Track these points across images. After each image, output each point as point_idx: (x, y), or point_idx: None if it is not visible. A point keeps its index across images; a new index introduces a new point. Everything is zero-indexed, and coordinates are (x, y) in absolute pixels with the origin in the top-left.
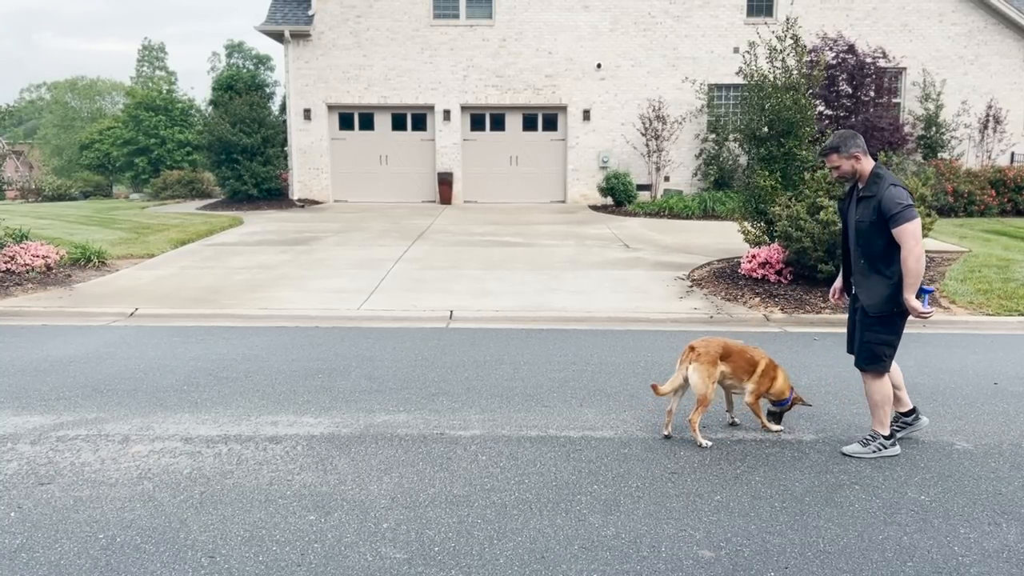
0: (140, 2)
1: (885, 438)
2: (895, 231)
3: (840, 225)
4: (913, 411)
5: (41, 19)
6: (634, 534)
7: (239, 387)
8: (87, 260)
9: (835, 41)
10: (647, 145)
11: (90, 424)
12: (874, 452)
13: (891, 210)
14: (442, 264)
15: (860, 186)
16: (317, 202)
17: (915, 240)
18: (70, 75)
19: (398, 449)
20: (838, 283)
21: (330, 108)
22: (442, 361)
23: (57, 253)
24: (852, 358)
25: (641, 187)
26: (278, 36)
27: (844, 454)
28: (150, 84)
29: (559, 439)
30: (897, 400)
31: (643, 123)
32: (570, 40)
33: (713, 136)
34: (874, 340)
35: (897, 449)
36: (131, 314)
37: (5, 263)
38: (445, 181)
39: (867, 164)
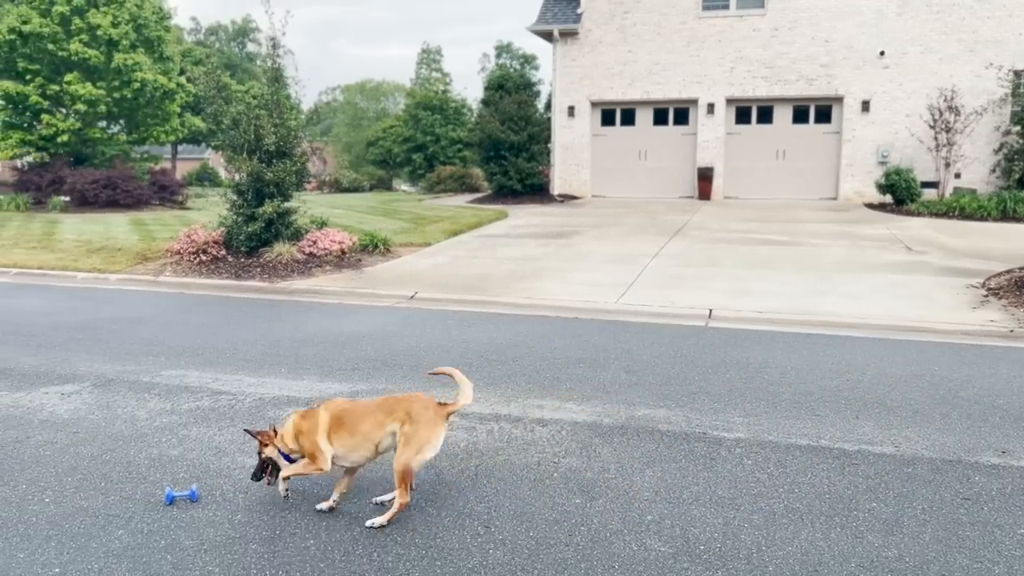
0: (421, 10)
1: None
2: None
3: None
4: None
5: (337, 28)
6: (920, 559)
7: (507, 370)
8: (374, 247)
9: None
10: (935, 139)
11: (380, 394)
12: None
13: None
14: (700, 261)
15: None
16: (575, 197)
17: None
18: (359, 79)
19: (660, 444)
20: None
21: (593, 105)
22: (702, 360)
23: (350, 240)
24: None
25: (926, 184)
26: (547, 35)
27: None
28: (427, 85)
29: (832, 451)
30: None
31: (931, 114)
32: (850, 27)
33: (1018, 129)
34: None
35: None
36: (411, 297)
37: (308, 247)
38: (705, 176)
39: None
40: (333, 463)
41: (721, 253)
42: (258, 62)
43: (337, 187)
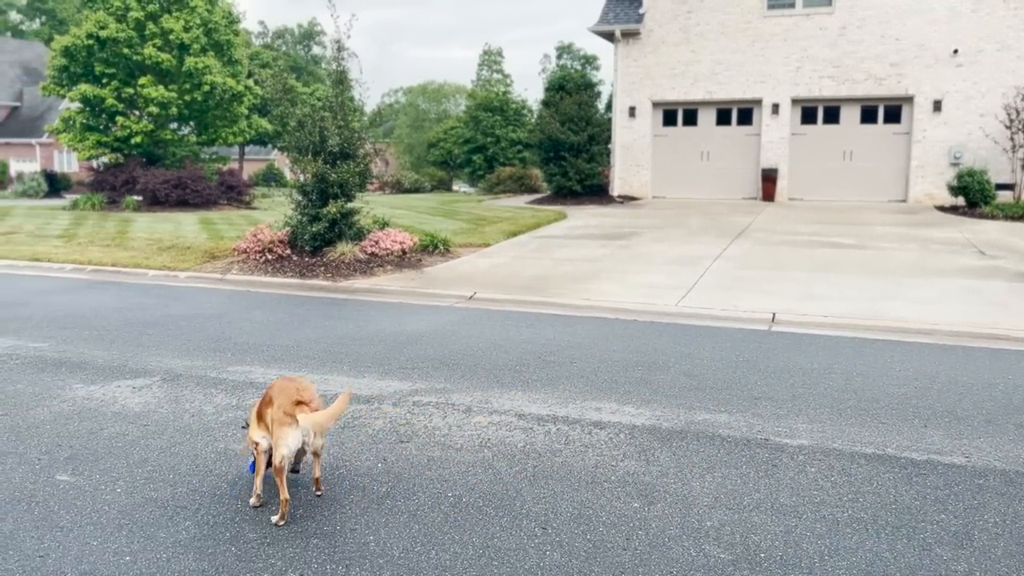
0: (482, 11)
1: None
2: None
3: None
4: None
5: (399, 30)
6: (991, 574)
7: (564, 371)
8: (434, 247)
9: None
10: (1011, 139)
11: (439, 393)
12: None
13: None
14: (763, 264)
15: None
16: (635, 198)
17: None
18: (421, 80)
19: (720, 449)
20: None
21: (654, 105)
22: (764, 364)
23: (411, 240)
24: None
25: (1001, 187)
26: (608, 36)
27: None
28: (488, 87)
29: (899, 460)
30: None
31: (1008, 114)
32: (921, 24)
33: None
34: None
35: None
36: (470, 297)
37: (370, 247)
38: (769, 177)
39: None
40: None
41: (785, 256)
42: (323, 65)
43: (399, 188)
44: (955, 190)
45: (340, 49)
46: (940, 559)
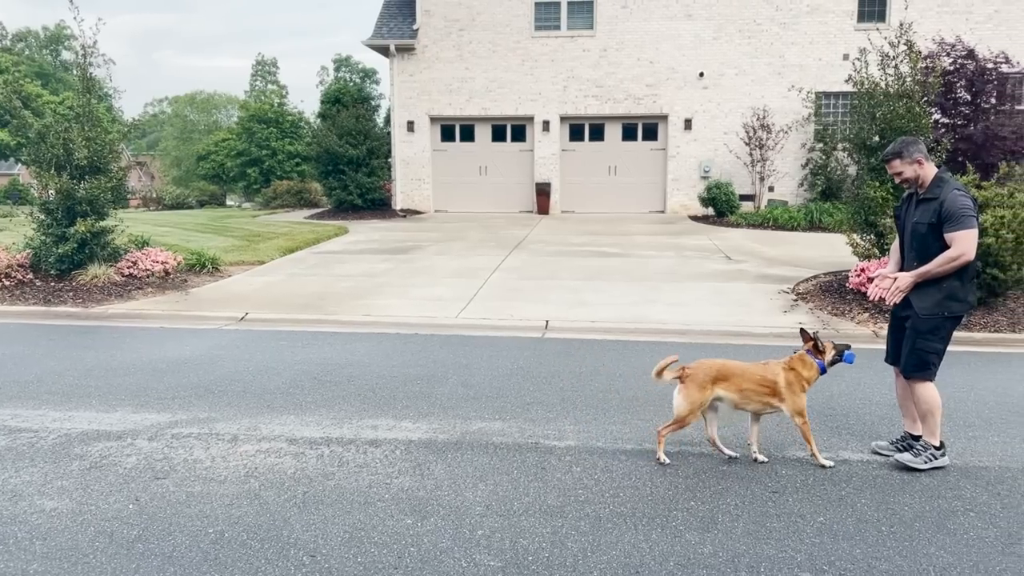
0: (254, 21)
1: (936, 448)
2: (950, 235)
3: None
4: (918, 440)
5: (162, 38)
6: (732, 553)
7: (341, 391)
8: (202, 266)
9: (953, 47)
10: (751, 155)
11: (202, 423)
12: (926, 463)
13: (952, 213)
14: (539, 274)
15: (920, 191)
16: (418, 212)
17: (965, 246)
18: (189, 90)
19: (493, 457)
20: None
21: (432, 120)
22: (537, 371)
23: (175, 259)
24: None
25: (744, 197)
26: (384, 50)
27: (898, 462)
28: (263, 98)
29: (654, 453)
30: (914, 422)
31: (747, 132)
32: (672, 49)
33: (820, 145)
34: (924, 347)
35: (947, 460)
36: (242, 318)
37: (128, 268)
38: (543, 191)
39: (930, 170)
40: None
41: (558, 266)
42: (74, 71)
43: (163, 203)
44: (705, 201)
45: (86, 55)
46: (689, 544)
